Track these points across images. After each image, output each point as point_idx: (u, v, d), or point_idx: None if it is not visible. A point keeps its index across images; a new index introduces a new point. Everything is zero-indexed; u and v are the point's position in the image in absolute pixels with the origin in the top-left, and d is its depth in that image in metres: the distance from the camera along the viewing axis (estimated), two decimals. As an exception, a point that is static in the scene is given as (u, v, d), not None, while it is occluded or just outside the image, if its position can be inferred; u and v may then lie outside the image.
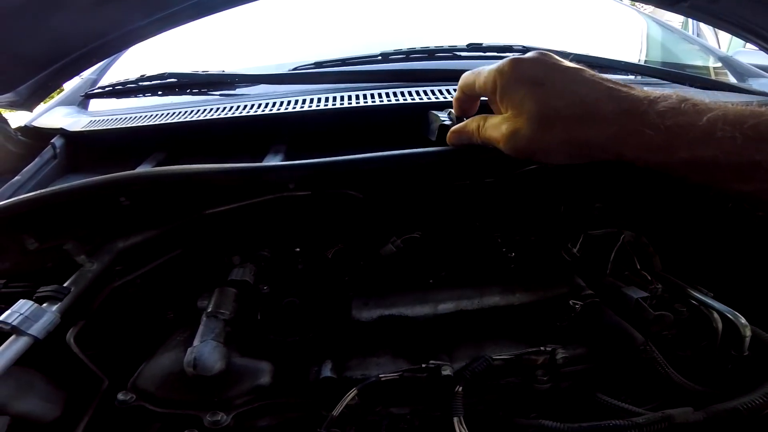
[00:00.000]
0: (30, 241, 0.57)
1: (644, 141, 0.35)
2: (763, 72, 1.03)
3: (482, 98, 0.50)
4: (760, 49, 0.82)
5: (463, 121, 0.50)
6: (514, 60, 0.41)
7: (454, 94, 0.66)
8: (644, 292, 0.56)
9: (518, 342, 0.54)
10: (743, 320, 0.53)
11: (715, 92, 0.81)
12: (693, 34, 1.70)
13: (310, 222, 0.63)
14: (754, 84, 0.95)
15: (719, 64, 1.10)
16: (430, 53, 0.81)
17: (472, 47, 0.82)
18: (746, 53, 1.26)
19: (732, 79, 1.01)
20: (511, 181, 0.62)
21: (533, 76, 0.40)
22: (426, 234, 0.64)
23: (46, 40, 0.66)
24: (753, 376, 0.50)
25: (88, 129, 0.73)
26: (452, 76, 0.75)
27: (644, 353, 0.51)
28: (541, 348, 0.52)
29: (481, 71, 0.44)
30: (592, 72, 0.40)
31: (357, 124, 0.66)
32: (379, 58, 0.81)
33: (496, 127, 0.43)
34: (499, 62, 0.42)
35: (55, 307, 0.50)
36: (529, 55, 0.42)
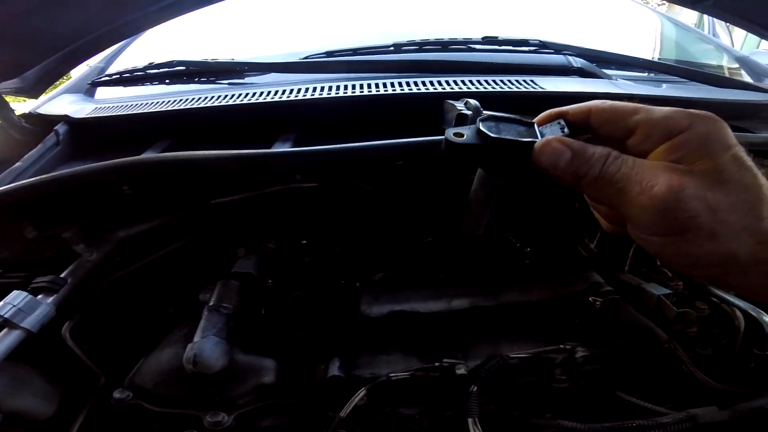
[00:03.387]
0: (29, 229, 0.56)
1: None
2: (780, 72, 1.01)
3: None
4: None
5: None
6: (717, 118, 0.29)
7: (471, 85, 0.64)
8: (666, 290, 0.54)
9: (535, 340, 0.52)
10: (767, 318, 0.50)
11: (732, 90, 0.79)
12: (708, 33, 1.68)
13: (317, 214, 0.61)
14: (771, 84, 0.93)
15: (735, 64, 1.08)
16: (443, 45, 0.80)
17: (488, 40, 0.80)
18: (762, 54, 1.24)
19: (748, 79, 0.98)
20: (528, 175, 0.59)
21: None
22: (439, 236, 0.61)
23: (53, 26, 0.64)
24: None
25: (92, 116, 0.71)
26: (466, 67, 0.73)
27: (669, 351, 0.48)
28: (560, 346, 0.49)
29: (655, 108, 0.30)
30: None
31: (368, 114, 0.64)
32: (392, 48, 0.79)
33: (652, 169, 0.28)
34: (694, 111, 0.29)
35: (50, 299, 0.48)
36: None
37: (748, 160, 0.28)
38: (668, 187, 0.27)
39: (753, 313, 0.51)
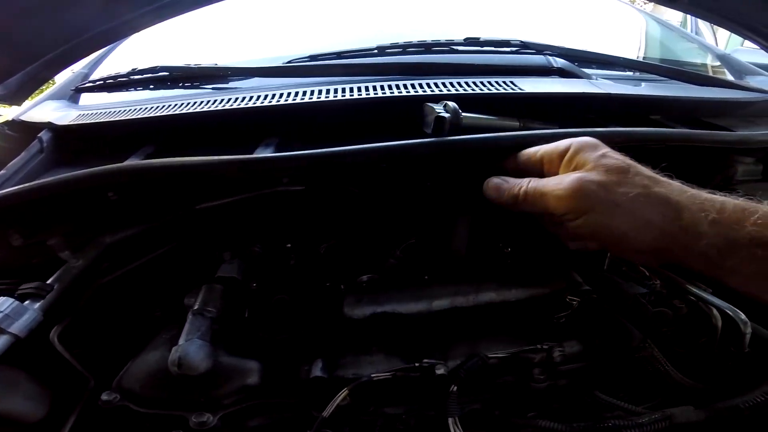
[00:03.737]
0: (15, 237, 0.56)
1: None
2: (761, 70, 1.03)
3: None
4: (760, 47, 0.81)
5: None
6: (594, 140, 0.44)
7: (452, 87, 0.65)
8: (643, 288, 0.55)
9: (515, 339, 0.53)
10: (743, 317, 0.51)
11: (712, 88, 0.81)
12: (691, 32, 1.70)
13: (303, 217, 0.62)
14: (752, 81, 0.95)
15: (717, 63, 1.09)
16: (426, 47, 0.80)
17: (470, 41, 0.81)
18: (744, 52, 1.25)
19: (729, 77, 1.00)
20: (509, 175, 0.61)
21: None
22: (422, 237, 0.62)
23: (35, 32, 0.64)
24: (753, 373, 0.49)
25: (76, 123, 0.72)
26: (450, 69, 0.74)
27: (643, 351, 0.49)
28: (538, 346, 0.51)
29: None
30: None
31: (352, 117, 0.64)
32: (375, 51, 0.79)
33: (555, 180, 0.43)
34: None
35: (37, 305, 0.49)
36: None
37: (616, 155, 0.42)
38: (573, 179, 0.40)
39: (730, 313, 0.52)
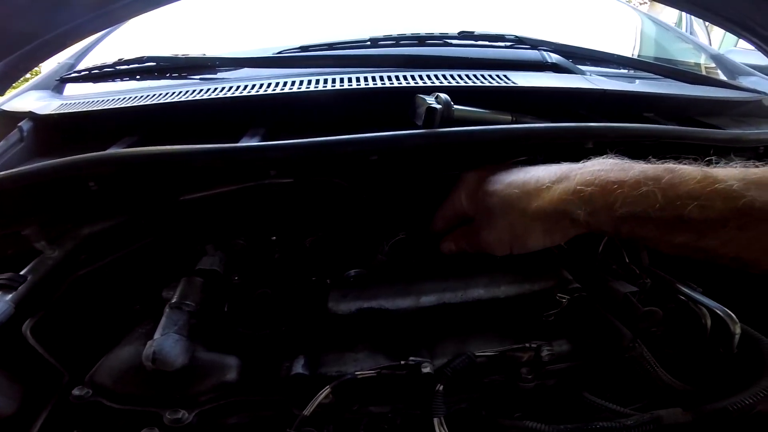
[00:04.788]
0: (-12, 227, 0.54)
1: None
2: (753, 70, 1.03)
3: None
4: (755, 47, 0.80)
5: None
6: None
7: (445, 79, 0.64)
8: (633, 287, 0.54)
9: (503, 337, 0.52)
10: (733, 317, 0.51)
11: (704, 87, 0.80)
12: (686, 32, 1.70)
13: (290, 210, 0.60)
14: (744, 82, 0.95)
15: (711, 62, 1.09)
16: (420, 40, 0.79)
17: (464, 35, 0.80)
18: (738, 52, 1.26)
19: (722, 77, 1.00)
20: None
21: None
22: (411, 232, 0.61)
23: (17, 20, 0.62)
24: (742, 374, 0.48)
25: (58, 112, 0.70)
26: (443, 63, 0.73)
27: (632, 350, 0.48)
28: (526, 344, 0.49)
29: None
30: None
31: (342, 109, 0.63)
32: (368, 43, 0.78)
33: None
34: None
35: (8, 297, 0.47)
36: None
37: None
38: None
39: (720, 313, 0.51)
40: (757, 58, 0.86)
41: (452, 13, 1.12)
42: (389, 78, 0.64)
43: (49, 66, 0.97)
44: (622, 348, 0.49)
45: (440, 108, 0.53)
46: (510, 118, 0.59)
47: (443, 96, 0.54)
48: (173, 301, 0.50)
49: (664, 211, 0.36)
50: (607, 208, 0.39)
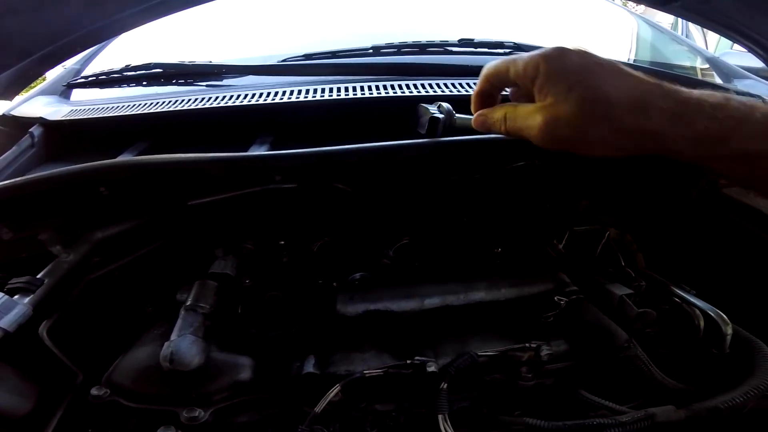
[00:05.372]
0: (4, 231, 0.56)
1: (699, 132, 0.35)
2: (749, 73, 1.04)
3: (504, 92, 0.48)
4: (749, 51, 0.82)
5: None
6: (560, 48, 0.39)
7: (446, 88, 0.66)
8: (628, 289, 0.56)
9: (503, 338, 0.54)
10: (725, 318, 0.53)
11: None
12: (682, 35, 1.72)
13: (296, 215, 0.62)
14: (739, 85, 0.96)
15: (706, 65, 1.11)
16: (421, 48, 0.81)
17: (464, 42, 0.82)
18: (733, 55, 1.27)
19: (718, 80, 1.02)
20: (499, 177, 0.61)
21: (582, 64, 0.38)
22: (414, 237, 0.63)
23: (28, 29, 0.64)
24: (734, 374, 0.50)
25: (67, 118, 0.71)
26: (443, 71, 0.75)
27: (627, 351, 0.51)
28: (526, 345, 0.51)
29: (518, 59, 0.41)
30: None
31: (346, 117, 0.65)
32: (371, 51, 0.80)
33: (529, 115, 0.40)
34: (542, 49, 0.40)
35: (26, 300, 0.49)
36: (572, 46, 0.40)
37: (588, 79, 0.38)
38: (540, 124, 0.39)
39: (712, 314, 0.54)
40: (753, 60, 0.88)
41: (453, 20, 1.14)
42: (392, 87, 0.66)
43: (55, 71, 0.98)
44: (618, 348, 0.51)
45: (443, 117, 0.55)
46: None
47: (445, 105, 0.56)
48: (188, 304, 0.52)
49: None
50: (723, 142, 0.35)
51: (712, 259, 0.69)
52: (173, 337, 0.48)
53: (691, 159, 0.37)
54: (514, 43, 0.82)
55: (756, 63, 0.88)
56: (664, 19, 2.50)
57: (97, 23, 0.66)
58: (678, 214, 0.71)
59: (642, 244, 0.66)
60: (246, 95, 0.66)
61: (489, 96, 0.47)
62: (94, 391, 0.47)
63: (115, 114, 0.68)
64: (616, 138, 0.38)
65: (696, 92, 0.36)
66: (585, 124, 0.38)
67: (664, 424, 0.44)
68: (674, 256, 0.69)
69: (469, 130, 0.57)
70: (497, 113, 0.45)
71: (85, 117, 0.70)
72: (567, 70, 0.38)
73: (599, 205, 0.69)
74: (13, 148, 0.68)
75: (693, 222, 0.70)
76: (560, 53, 0.39)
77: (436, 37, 0.83)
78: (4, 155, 0.66)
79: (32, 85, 0.90)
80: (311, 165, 0.52)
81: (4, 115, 0.77)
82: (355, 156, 0.51)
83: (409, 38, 0.83)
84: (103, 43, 1.05)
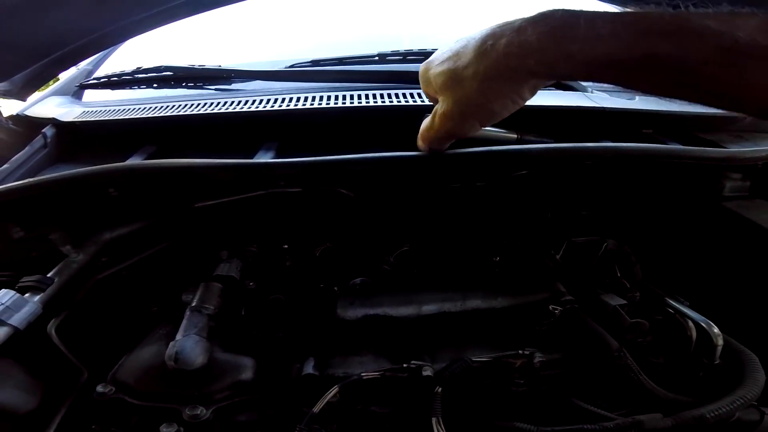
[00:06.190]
0: (15, 230, 0.57)
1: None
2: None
3: None
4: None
5: None
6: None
7: None
8: (622, 300, 0.57)
9: (498, 345, 0.55)
10: (716, 329, 0.54)
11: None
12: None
13: (299, 219, 0.64)
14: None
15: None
16: (426, 55, 0.81)
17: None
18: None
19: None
20: (501, 185, 0.63)
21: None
22: (415, 244, 0.64)
23: (44, 31, 0.65)
24: (723, 384, 0.51)
25: (80, 119, 0.73)
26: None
27: (618, 359, 0.52)
28: (519, 351, 0.52)
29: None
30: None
31: (351, 124, 0.66)
32: (376, 58, 0.81)
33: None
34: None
35: (37, 298, 0.50)
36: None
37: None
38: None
39: (704, 325, 0.55)
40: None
41: (458, 28, 1.15)
42: (396, 96, 0.68)
43: (68, 72, 1.00)
44: (609, 357, 0.52)
45: None
46: (515, 136, 0.61)
47: None
48: (193, 305, 0.53)
49: (631, 51, 0.33)
50: (563, 56, 0.36)
51: (710, 271, 0.69)
52: (178, 337, 0.49)
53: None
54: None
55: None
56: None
57: (109, 27, 0.68)
58: (677, 226, 0.72)
59: (640, 255, 0.67)
60: (254, 101, 0.68)
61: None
62: (99, 389, 0.49)
63: (126, 117, 0.69)
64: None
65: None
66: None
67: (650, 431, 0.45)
68: (672, 267, 0.70)
69: (474, 141, 0.58)
70: (425, 122, 0.51)
71: (97, 119, 0.72)
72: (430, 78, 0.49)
73: (600, 216, 0.70)
74: (27, 148, 0.70)
75: (692, 234, 0.71)
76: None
77: (442, 45, 0.84)
78: (17, 155, 0.68)
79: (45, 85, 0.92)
80: (316, 173, 0.53)
81: (18, 115, 0.79)
82: (360, 166, 0.52)
83: (415, 46, 0.84)
84: (115, 45, 1.06)
